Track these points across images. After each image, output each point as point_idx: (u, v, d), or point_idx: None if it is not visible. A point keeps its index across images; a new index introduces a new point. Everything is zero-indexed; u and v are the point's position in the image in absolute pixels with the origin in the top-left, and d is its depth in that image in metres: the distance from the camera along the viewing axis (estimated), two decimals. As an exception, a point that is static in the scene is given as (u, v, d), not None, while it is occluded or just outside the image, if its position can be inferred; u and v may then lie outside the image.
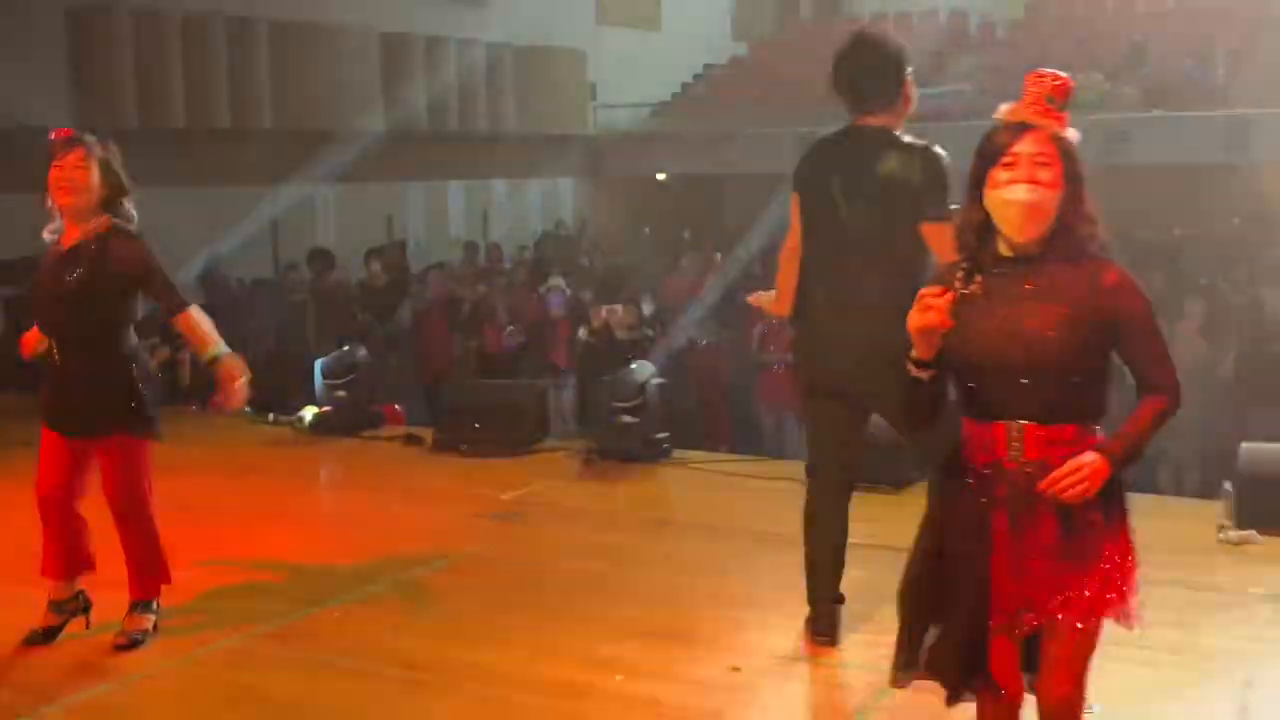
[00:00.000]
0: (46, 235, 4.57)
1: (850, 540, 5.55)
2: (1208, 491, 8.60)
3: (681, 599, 5.03)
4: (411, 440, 7.91)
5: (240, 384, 4.44)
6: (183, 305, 4.47)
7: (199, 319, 4.49)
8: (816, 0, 25.43)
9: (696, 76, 23.42)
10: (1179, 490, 8.90)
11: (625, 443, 7.11)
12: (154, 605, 4.69)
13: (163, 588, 4.71)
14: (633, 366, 7.33)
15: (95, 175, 4.41)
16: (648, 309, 10.84)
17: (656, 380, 7.24)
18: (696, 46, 23.27)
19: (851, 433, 4.48)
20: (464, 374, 11.71)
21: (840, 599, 4.53)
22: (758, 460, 7.24)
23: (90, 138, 4.48)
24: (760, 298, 4.83)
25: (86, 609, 4.73)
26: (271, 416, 8.62)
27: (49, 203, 4.53)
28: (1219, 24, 19.94)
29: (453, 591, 5.21)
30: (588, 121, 21.65)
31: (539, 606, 4.98)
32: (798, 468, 6.90)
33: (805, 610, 4.80)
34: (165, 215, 13.82)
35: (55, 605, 4.68)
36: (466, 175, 19.63)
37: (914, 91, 4.38)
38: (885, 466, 6.34)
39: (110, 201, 4.47)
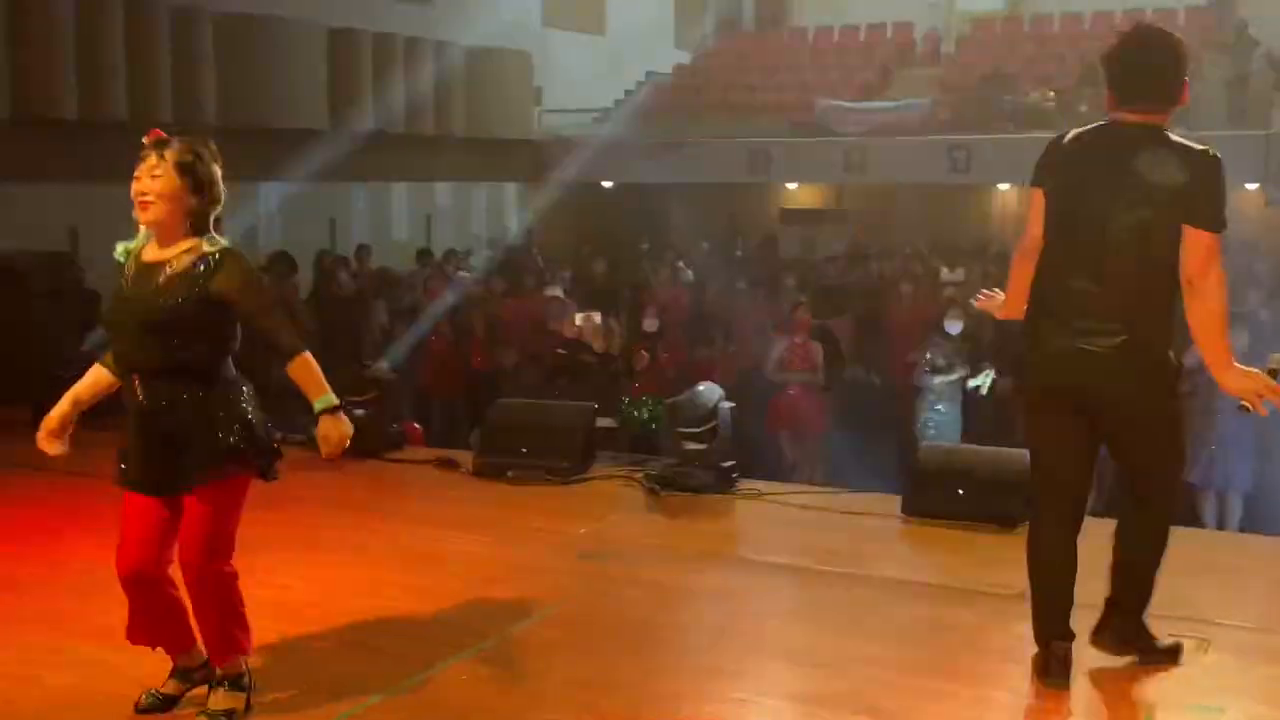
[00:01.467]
0: (118, 254, 3.93)
1: (973, 588, 5.17)
2: None
3: (837, 660, 4.50)
4: (445, 464, 7.31)
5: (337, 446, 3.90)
6: (299, 348, 3.84)
7: (314, 365, 3.87)
8: (758, 11, 25.15)
9: (639, 84, 22.98)
10: None
11: (692, 473, 6.60)
12: (243, 679, 3.99)
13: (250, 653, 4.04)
14: (700, 388, 6.82)
15: (175, 184, 3.74)
16: (651, 325, 10.33)
17: (726, 404, 6.75)
18: (639, 53, 22.85)
19: (1086, 455, 4.09)
20: (455, 389, 11.14)
21: (1071, 636, 4.11)
22: (834, 491, 6.78)
23: (174, 139, 3.82)
24: (987, 302, 4.46)
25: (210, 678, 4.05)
26: (280, 435, 7.93)
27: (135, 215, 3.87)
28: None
29: (575, 647, 4.65)
30: (532, 126, 21.09)
31: (680, 666, 4.47)
32: (884, 501, 6.51)
33: (980, 672, 4.41)
34: (105, 212, 13.25)
35: (180, 673, 4.04)
36: (411, 177, 18.96)
37: (1189, 92, 4.03)
38: (994, 500, 5.93)
39: (202, 214, 3.83)
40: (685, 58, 23.80)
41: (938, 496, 6.05)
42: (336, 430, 3.89)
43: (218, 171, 3.86)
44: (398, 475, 7.30)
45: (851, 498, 6.64)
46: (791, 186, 21.31)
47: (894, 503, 6.37)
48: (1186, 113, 19.19)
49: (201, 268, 3.77)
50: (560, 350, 9.08)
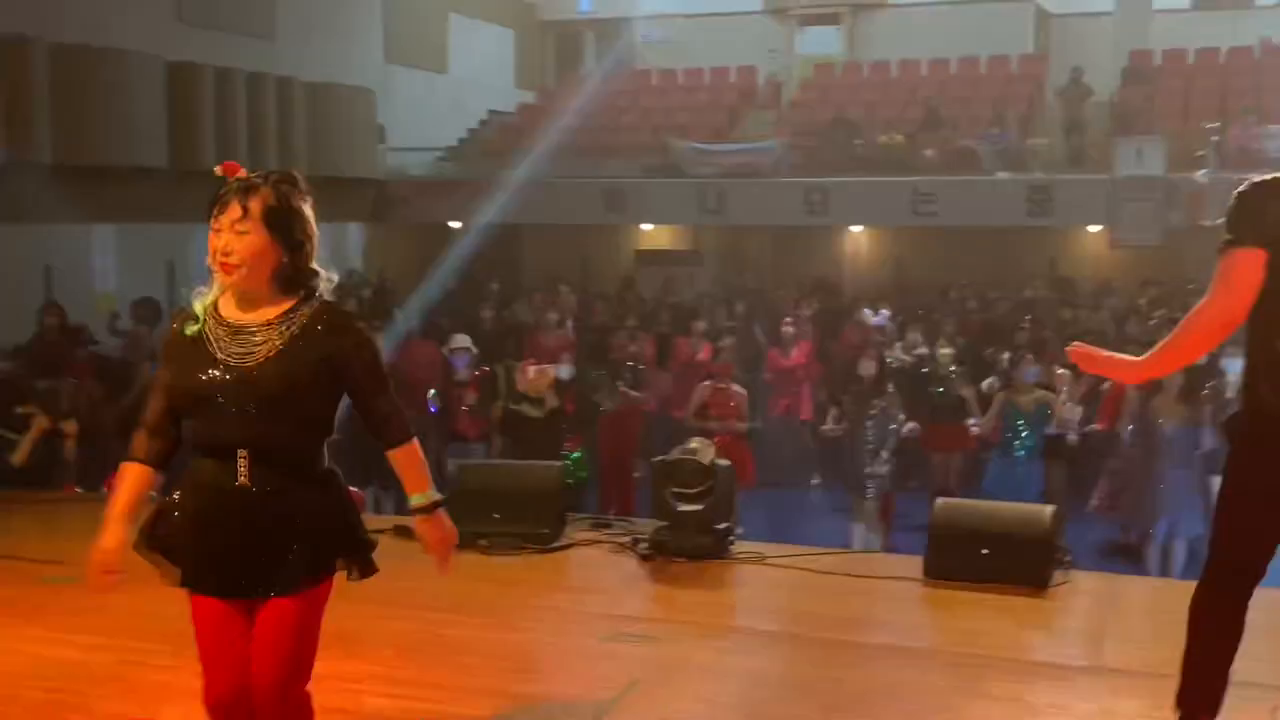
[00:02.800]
0: (187, 328, 3.25)
1: (1033, 658, 4.87)
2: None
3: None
4: (406, 533, 6.66)
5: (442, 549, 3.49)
6: (409, 435, 3.34)
7: (420, 454, 3.41)
8: (599, 52, 24.95)
9: (483, 122, 22.52)
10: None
11: (688, 536, 6.16)
12: None
13: None
14: (692, 445, 6.38)
15: (263, 240, 3.16)
16: (565, 373, 9.86)
17: (723, 461, 6.33)
18: (482, 92, 22.40)
19: None
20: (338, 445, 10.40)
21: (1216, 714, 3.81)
22: (833, 552, 6.40)
23: (259, 179, 3.22)
24: (1091, 355, 3.83)
25: None
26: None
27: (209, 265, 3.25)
28: (1003, 90, 20.62)
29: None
30: (376, 164, 20.38)
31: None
32: (898, 563, 6.16)
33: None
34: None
35: None
36: (254, 218, 18.00)
37: None
38: (1021, 560, 5.67)
39: (295, 270, 3.23)
40: (527, 97, 23.43)
41: (961, 558, 5.75)
42: (436, 532, 3.43)
43: (311, 217, 3.27)
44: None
45: (856, 559, 6.31)
46: (647, 228, 21.10)
47: (908, 564, 6.06)
48: (1026, 157, 19.66)
49: (318, 330, 3.20)
50: (513, 405, 8.51)
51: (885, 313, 14.33)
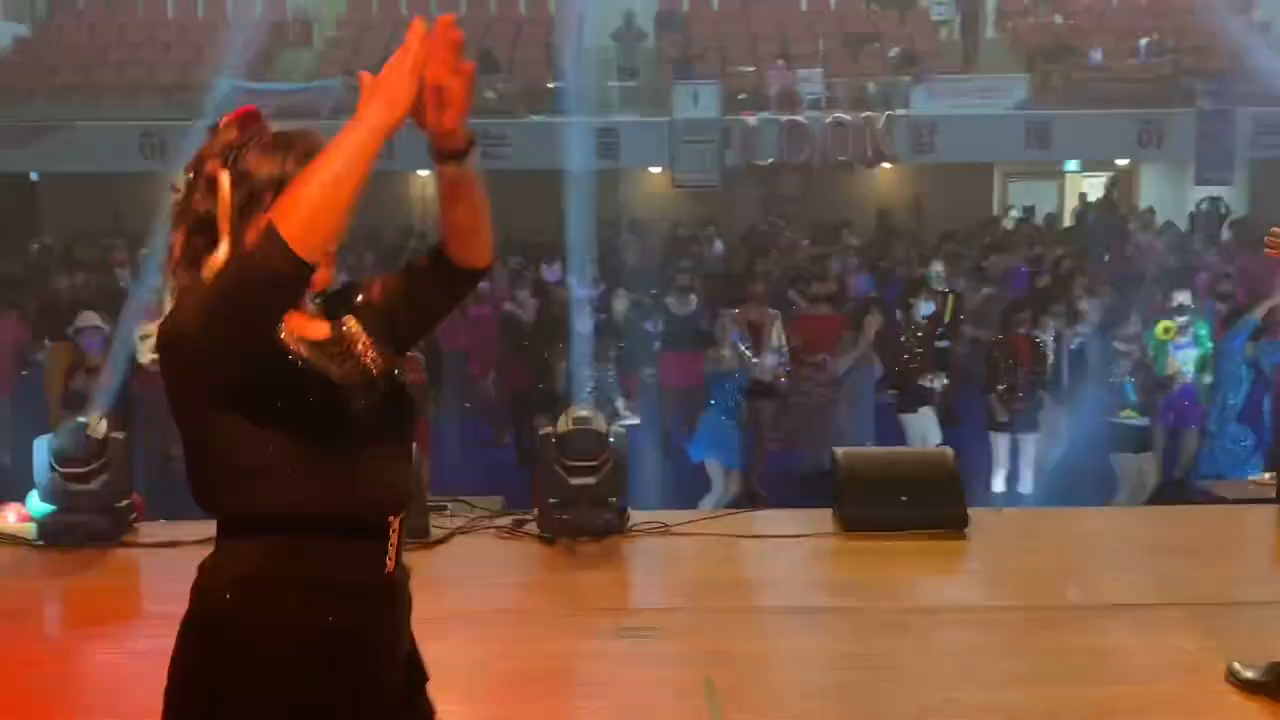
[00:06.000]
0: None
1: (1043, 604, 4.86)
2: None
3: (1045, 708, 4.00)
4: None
5: None
6: None
7: None
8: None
9: (-31, 56, 19.54)
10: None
11: (585, 513, 5.57)
12: None
13: None
14: (583, 413, 5.76)
15: None
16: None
17: (620, 428, 5.79)
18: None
19: None
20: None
21: None
22: (726, 514, 6.02)
23: None
24: None
25: None
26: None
27: None
28: (526, 32, 20.65)
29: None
30: None
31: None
32: (801, 518, 5.87)
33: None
34: None
35: None
36: None
37: None
38: (938, 503, 5.65)
39: None
40: (19, 30, 20.64)
41: (876, 508, 5.60)
42: None
43: None
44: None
45: (751, 519, 6.02)
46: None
47: (810, 518, 5.82)
48: (589, 102, 19.65)
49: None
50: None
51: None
